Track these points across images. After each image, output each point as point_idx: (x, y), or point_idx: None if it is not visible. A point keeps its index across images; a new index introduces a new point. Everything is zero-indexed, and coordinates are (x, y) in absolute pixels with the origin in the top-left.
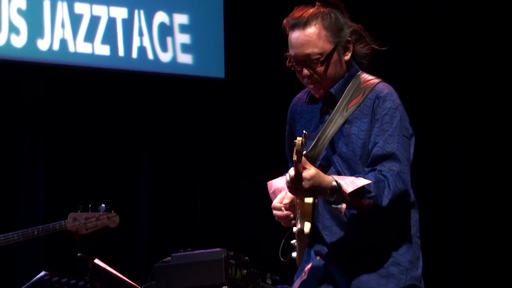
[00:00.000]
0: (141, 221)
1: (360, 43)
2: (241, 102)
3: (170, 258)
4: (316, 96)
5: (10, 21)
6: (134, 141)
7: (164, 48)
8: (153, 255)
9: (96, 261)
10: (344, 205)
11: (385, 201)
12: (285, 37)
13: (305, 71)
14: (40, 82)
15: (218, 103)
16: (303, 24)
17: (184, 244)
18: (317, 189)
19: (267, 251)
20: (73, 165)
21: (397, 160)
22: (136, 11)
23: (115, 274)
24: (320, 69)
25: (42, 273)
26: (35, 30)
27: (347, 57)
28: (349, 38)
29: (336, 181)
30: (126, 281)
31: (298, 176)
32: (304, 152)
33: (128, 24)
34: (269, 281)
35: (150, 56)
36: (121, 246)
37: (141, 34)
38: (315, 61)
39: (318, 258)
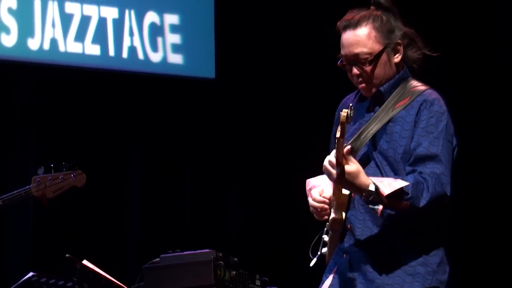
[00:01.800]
0: (131, 222)
1: (412, 47)
2: (232, 102)
3: (159, 259)
4: (366, 95)
5: (0, 21)
6: (125, 141)
7: (154, 48)
8: (142, 256)
9: (85, 262)
10: (380, 207)
11: (422, 203)
12: (276, 36)
13: (355, 70)
14: (30, 81)
15: (209, 103)
16: (354, 24)
17: (174, 245)
18: (349, 185)
19: (256, 252)
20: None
21: (440, 163)
22: (126, 11)
23: (104, 275)
24: (369, 68)
25: (30, 273)
26: (26, 30)
27: (397, 59)
28: (400, 41)
29: (374, 184)
30: (115, 282)
31: (338, 160)
32: (346, 143)
33: (118, 24)
34: (258, 283)
35: (141, 56)
36: (110, 247)
37: (131, 34)
38: (364, 61)
39: (345, 256)
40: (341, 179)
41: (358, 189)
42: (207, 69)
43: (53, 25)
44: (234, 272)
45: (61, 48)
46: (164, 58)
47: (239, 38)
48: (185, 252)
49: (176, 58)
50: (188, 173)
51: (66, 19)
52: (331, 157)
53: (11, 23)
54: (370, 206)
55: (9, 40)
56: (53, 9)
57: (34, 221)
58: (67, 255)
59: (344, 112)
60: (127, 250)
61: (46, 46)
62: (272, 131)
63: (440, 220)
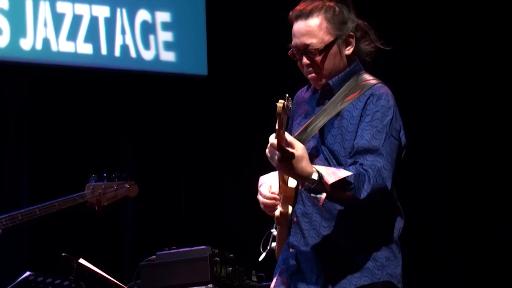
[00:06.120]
0: (126, 220)
1: (364, 40)
2: (224, 99)
3: (155, 256)
4: (316, 87)
5: None
6: (119, 139)
7: (146, 46)
8: (138, 254)
9: (81, 260)
10: (324, 195)
11: (363, 194)
12: (268, 33)
13: (305, 60)
14: (23, 81)
15: (201, 100)
16: (305, 15)
17: (169, 242)
18: (291, 169)
19: (252, 248)
20: (58, 164)
21: (381, 156)
22: (118, 10)
23: (100, 274)
24: (318, 59)
25: (27, 273)
26: (18, 30)
27: (349, 51)
28: (352, 33)
29: (318, 172)
30: (111, 280)
31: (279, 143)
32: (293, 135)
33: (110, 22)
34: (254, 278)
35: (133, 54)
36: (106, 245)
37: (123, 32)
38: (314, 51)
39: (291, 250)
40: (283, 162)
41: (300, 175)
42: (199, 66)
43: (45, 24)
44: (230, 268)
45: (54, 48)
46: (157, 55)
47: (231, 35)
48: (181, 249)
49: (168, 56)
50: (182, 169)
51: (58, 18)
52: (274, 139)
53: (3, 23)
54: (312, 195)
55: (1, 41)
56: (44, 9)
57: (30, 220)
58: (63, 254)
59: (280, 103)
60: (122, 248)
61: (39, 46)
62: (265, 128)
63: (387, 215)
